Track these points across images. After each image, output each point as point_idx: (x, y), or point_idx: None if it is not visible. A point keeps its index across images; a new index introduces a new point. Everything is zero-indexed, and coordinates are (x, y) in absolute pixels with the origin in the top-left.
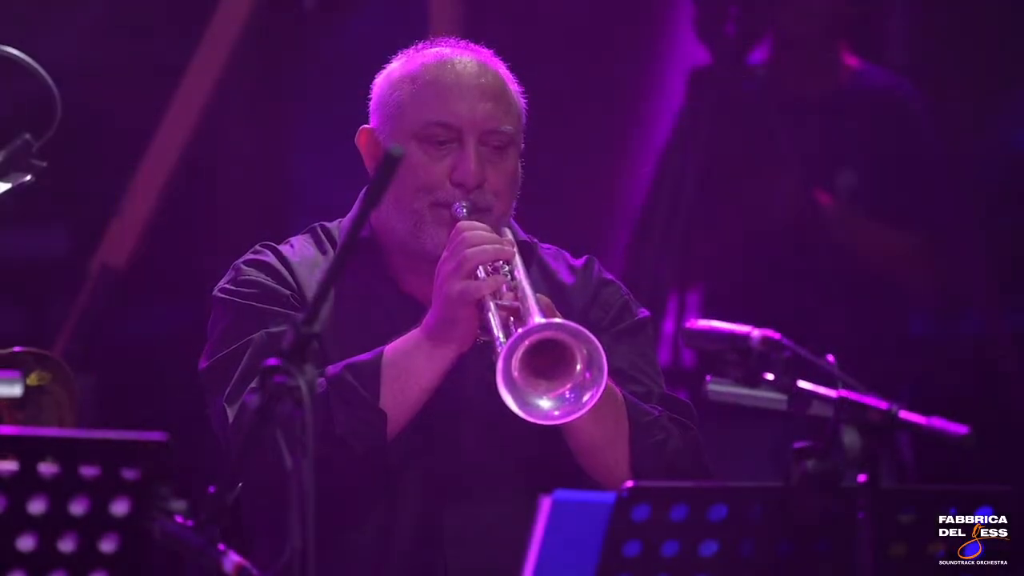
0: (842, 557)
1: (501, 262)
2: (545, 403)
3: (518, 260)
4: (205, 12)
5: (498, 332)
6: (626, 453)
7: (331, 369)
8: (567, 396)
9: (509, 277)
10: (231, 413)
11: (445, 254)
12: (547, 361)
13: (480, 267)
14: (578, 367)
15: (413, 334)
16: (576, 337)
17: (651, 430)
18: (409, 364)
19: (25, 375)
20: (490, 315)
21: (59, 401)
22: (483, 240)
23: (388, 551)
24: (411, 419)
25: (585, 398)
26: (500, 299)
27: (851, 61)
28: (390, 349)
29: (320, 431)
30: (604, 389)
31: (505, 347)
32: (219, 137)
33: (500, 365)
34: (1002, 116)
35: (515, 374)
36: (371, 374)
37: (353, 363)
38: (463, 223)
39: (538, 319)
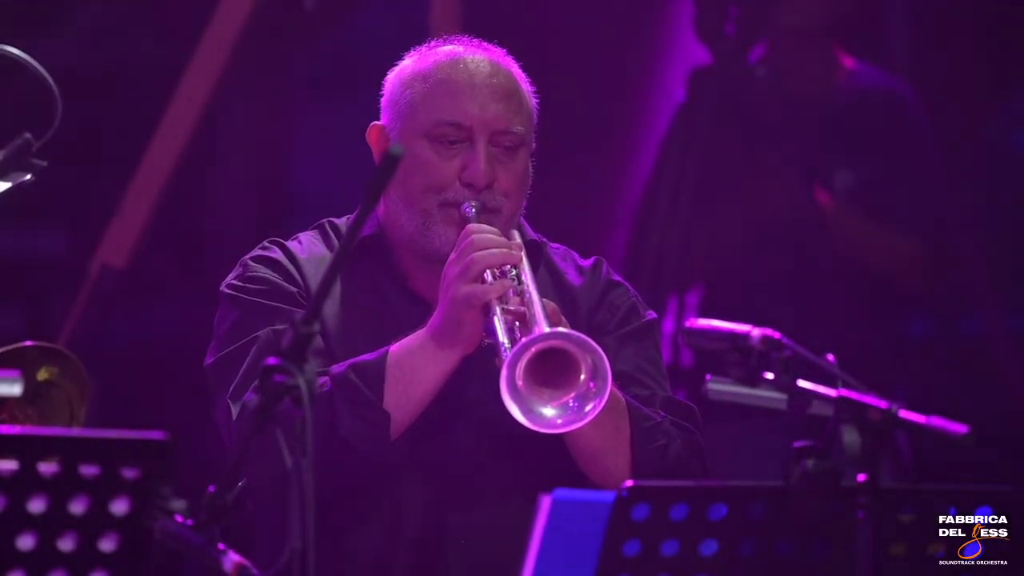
0: (842, 557)
1: (508, 266)
2: (548, 411)
3: (525, 264)
4: (205, 12)
5: (503, 337)
6: (627, 458)
7: (335, 369)
8: (570, 405)
9: (516, 281)
10: (235, 410)
11: (452, 256)
12: (551, 369)
13: (487, 270)
14: (582, 377)
15: (418, 335)
16: (581, 347)
17: (653, 435)
18: (413, 365)
19: (33, 370)
20: (496, 319)
21: (69, 394)
22: (491, 244)
23: (390, 551)
24: (414, 420)
25: (588, 408)
26: (506, 304)
27: (849, 62)
28: (395, 350)
29: (324, 431)
30: (607, 400)
31: (510, 355)
32: (219, 137)
33: (504, 373)
34: (1000, 117)
35: (519, 382)
36: (375, 374)
37: (357, 363)
38: (471, 226)
39: (544, 328)
